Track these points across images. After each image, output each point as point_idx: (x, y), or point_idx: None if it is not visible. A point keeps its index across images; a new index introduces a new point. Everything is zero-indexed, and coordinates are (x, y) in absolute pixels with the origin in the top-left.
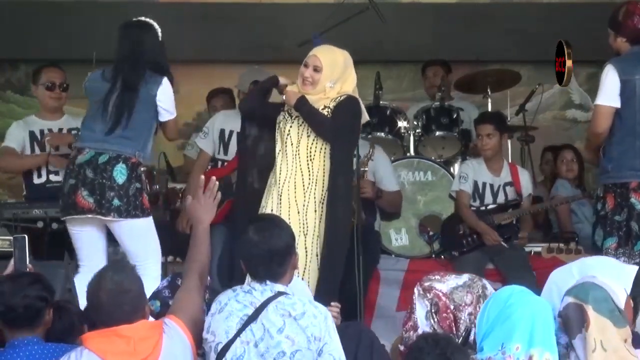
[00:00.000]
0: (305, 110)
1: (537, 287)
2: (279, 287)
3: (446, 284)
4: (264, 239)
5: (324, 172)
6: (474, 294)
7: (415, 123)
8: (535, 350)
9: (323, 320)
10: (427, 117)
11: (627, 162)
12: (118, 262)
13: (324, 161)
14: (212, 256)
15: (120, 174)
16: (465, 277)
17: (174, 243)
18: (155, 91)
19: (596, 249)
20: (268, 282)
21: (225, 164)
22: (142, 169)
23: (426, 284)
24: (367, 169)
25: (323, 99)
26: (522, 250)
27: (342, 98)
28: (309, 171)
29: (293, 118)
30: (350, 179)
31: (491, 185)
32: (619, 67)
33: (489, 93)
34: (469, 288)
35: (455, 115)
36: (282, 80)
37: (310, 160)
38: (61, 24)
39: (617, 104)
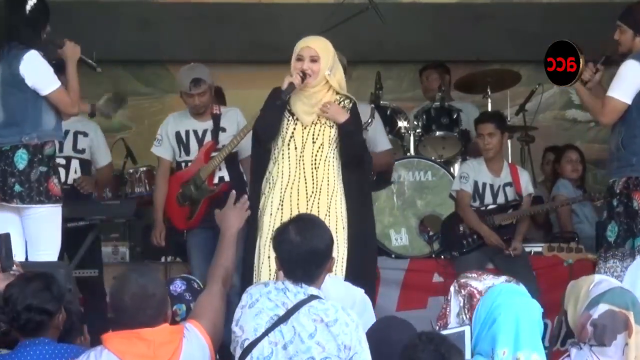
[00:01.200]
0: (351, 130)
1: (537, 287)
2: (313, 290)
3: (483, 282)
4: (306, 239)
5: (328, 181)
6: None
7: (415, 123)
8: (521, 354)
9: (355, 329)
10: (427, 117)
11: None
12: (142, 266)
13: (328, 170)
14: (191, 261)
15: (20, 159)
16: (502, 279)
17: (173, 243)
18: (17, 69)
19: (608, 246)
20: (303, 284)
21: (190, 164)
22: (49, 147)
23: (462, 280)
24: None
25: (325, 92)
26: (522, 250)
27: (349, 105)
28: (313, 179)
29: (296, 120)
30: (367, 184)
31: (491, 186)
32: None
33: (489, 93)
34: None
35: (455, 116)
36: (290, 80)
37: (315, 168)
38: (61, 24)
39: (630, 101)
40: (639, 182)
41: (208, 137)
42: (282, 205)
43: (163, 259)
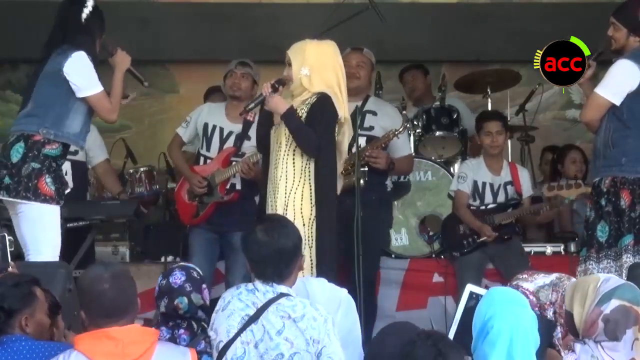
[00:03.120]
0: (293, 126)
1: None
2: (282, 288)
3: (533, 282)
4: (273, 239)
5: (286, 179)
6: (559, 292)
7: (415, 123)
8: None
9: (323, 323)
10: (427, 117)
11: None
12: (102, 261)
13: (286, 167)
14: (192, 258)
15: (16, 152)
16: (553, 276)
17: (173, 243)
18: (62, 65)
19: (599, 246)
20: (273, 283)
21: (209, 161)
22: (51, 148)
23: (514, 282)
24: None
25: (305, 93)
26: (522, 251)
27: (313, 99)
28: (274, 178)
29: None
30: (335, 180)
31: (491, 185)
32: None
33: (489, 93)
34: (554, 287)
35: (455, 116)
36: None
37: (275, 168)
38: None
39: (618, 101)
40: (626, 181)
41: (231, 140)
42: (265, 208)
43: (163, 259)
